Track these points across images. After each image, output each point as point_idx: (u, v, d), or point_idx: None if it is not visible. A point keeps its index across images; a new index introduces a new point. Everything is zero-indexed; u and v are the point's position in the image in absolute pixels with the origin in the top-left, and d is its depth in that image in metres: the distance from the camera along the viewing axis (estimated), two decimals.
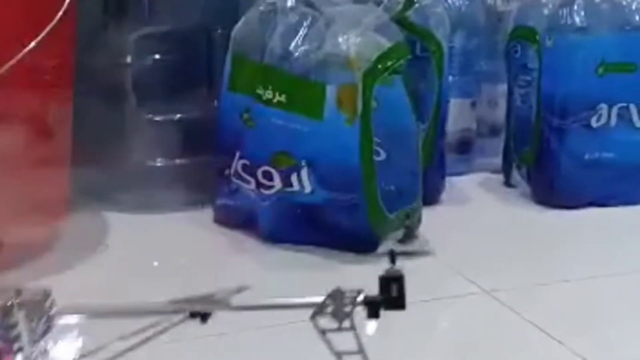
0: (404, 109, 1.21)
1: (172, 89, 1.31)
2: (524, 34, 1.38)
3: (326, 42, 1.16)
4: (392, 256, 0.69)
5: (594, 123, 1.35)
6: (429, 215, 1.25)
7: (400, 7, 1.26)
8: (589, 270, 1.17)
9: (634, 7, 1.34)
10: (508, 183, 1.45)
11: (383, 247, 1.18)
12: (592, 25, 1.33)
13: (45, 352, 0.66)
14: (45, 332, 0.67)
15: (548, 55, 1.35)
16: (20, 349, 0.65)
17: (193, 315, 0.73)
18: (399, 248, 1.17)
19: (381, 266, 1.15)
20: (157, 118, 1.31)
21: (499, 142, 1.48)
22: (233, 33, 1.23)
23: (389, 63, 1.17)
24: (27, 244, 1.14)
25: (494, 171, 1.48)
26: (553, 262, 1.20)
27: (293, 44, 1.18)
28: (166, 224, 1.29)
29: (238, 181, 1.23)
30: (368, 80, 1.15)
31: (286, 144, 1.18)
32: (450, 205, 1.38)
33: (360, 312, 0.72)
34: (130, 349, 0.73)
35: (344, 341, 0.71)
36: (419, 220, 1.23)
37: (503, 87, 1.46)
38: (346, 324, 0.67)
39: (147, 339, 0.73)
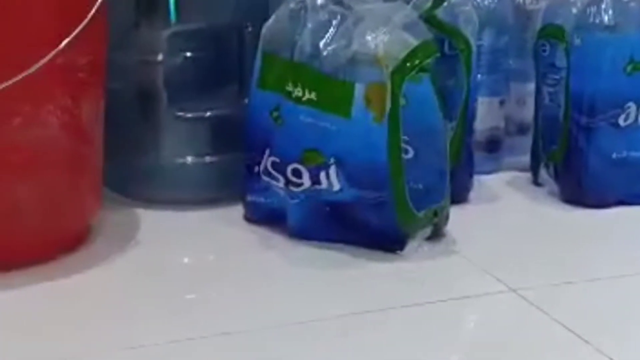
0: (432, 107, 1.22)
1: (202, 86, 1.31)
2: (552, 33, 1.38)
3: (355, 40, 1.17)
4: None
5: (621, 122, 1.34)
6: (456, 214, 1.26)
7: (429, 5, 1.26)
8: (616, 269, 1.16)
9: None
10: (536, 182, 1.45)
11: (410, 246, 1.19)
12: (620, 23, 1.33)
13: None
14: None
15: (576, 54, 1.34)
16: None
17: None
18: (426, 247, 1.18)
19: (407, 265, 1.16)
20: (188, 115, 1.32)
21: (527, 141, 1.48)
22: (263, 30, 1.24)
23: (417, 61, 1.17)
24: (60, 239, 1.16)
25: (522, 170, 1.48)
26: (581, 260, 1.20)
27: (322, 41, 1.18)
28: (196, 220, 1.30)
29: (267, 178, 1.24)
30: (396, 78, 1.15)
31: (315, 141, 1.18)
32: (478, 204, 1.38)
33: None
34: None
35: None
36: (447, 219, 1.23)
37: (531, 86, 1.46)
38: None
39: None
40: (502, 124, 1.51)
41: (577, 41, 1.34)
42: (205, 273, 1.16)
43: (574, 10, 1.35)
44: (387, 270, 1.16)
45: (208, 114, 1.32)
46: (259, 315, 1.04)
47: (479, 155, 1.44)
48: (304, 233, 1.23)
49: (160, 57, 1.30)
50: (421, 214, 1.20)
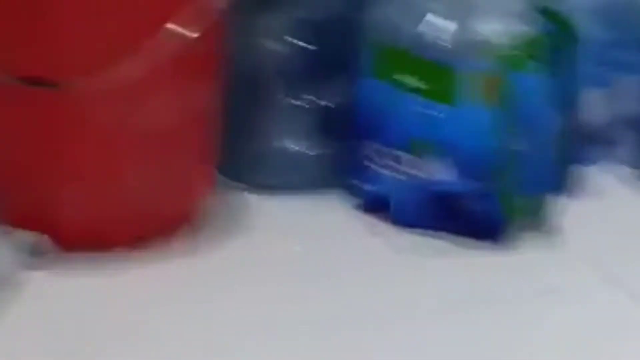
0: (541, 97, 1.21)
1: (313, 74, 1.32)
2: None
3: (466, 28, 1.17)
4: None
5: None
6: (563, 206, 1.25)
7: None
8: None
9: None
10: None
11: (514, 237, 1.18)
12: None
13: None
14: None
15: None
16: None
17: None
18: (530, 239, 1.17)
19: (510, 256, 1.16)
20: (298, 103, 1.33)
21: (637, 134, 1.46)
22: (372, 19, 1.25)
23: (528, 50, 1.17)
24: (171, 222, 1.19)
25: (631, 164, 1.46)
26: None
27: (432, 29, 1.18)
28: (303, 207, 1.31)
29: (374, 166, 1.25)
30: (507, 67, 1.15)
31: (423, 130, 1.19)
32: (585, 198, 1.37)
33: None
34: None
35: None
36: (554, 212, 1.23)
37: None
38: None
39: None
40: (611, 117, 1.49)
41: None
42: (311, 260, 1.17)
43: None
44: (490, 261, 1.16)
45: (318, 102, 1.34)
46: (362, 302, 1.05)
47: (586, 147, 1.42)
48: (408, 220, 1.23)
49: (276, 44, 1.32)
50: (526, 205, 1.20)
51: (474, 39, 1.16)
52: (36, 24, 1.08)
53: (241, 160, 1.35)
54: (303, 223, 1.27)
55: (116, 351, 0.94)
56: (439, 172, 1.19)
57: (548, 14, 1.28)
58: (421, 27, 1.19)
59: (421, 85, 1.19)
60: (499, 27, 1.16)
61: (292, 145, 1.34)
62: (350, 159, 1.29)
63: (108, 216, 1.14)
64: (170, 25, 1.09)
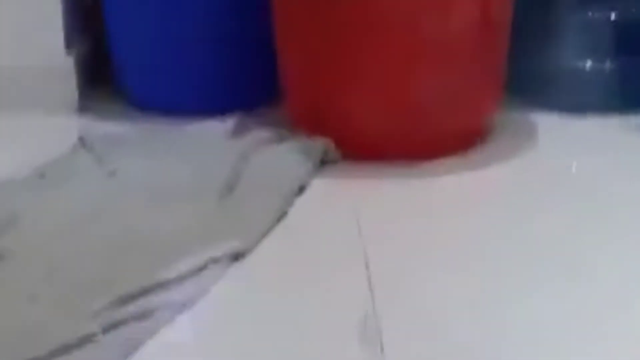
0: None
1: None
2: None
3: None
4: None
5: None
6: None
7: None
8: None
9: None
10: None
11: None
12: None
13: None
14: None
15: None
16: None
17: None
18: None
19: None
20: (590, 17, 1.28)
21: None
22: None
23: None
24: (458, 135, 1.19)
25: None
26: None
27: None
28: (593, 127, 1.27)
29: None
30: None
31: None
32: None
33: None
34: None
35: None
36: None
37: None
38: None
39: None
40: None
41: None
42: (593, 183, 1.12)
43: None
44: None
45: (612, 16, 1.27)
46: None
47: None
48: None
49: None
50: None
51: None
52: None
53: (531, 79, 1.32)
54: (590, 143, 1.23)
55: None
56: None
57: None
58: None
59: None
60: None
61: (584, 63, 1.30)
62: None
63: (400, 127, 1.16)
64: None
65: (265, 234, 0.99)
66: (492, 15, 1.16)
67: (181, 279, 0.89)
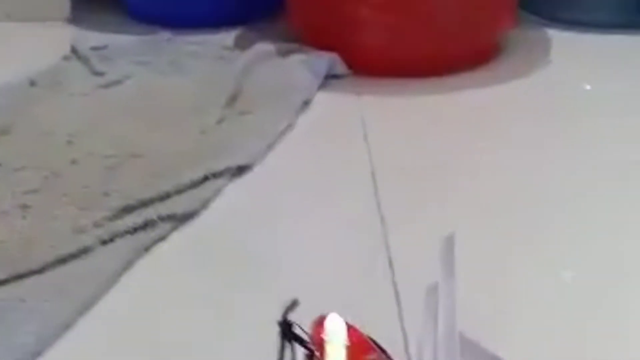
0: None
1: None
2: None
3: None
4: None
5: None
6: None
7: None
8: None
9: None
10: None
11: None
12: None
13: None
14: None
15: None
16: None
17: None
18: None
19: None
20: None
21: None
22: None
23: None
24: (473, 51, 1.15)
25: None
26: None
27: None
28: (610, 45, 1.23)
29: None
30: None
31: None
32: None
33: None
34: None
35: None
36: None
37: None
38: None
39: None
40: None
41: None
42: (607, 101, 1.08)
43: None
44: None
45: None
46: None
47: None
48: None
49: None
50: None
51: None
52: None
53: None
54: (606, 61, 1.19)
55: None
56: None
57: None
58: None
59: None
60: None
61: None
62: None
63: (409, 42, 1.11)
64: None
65: (270, 147, 0.94)
66: None
67: (180, 191, 0.85)
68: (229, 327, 0.67)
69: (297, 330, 0.52)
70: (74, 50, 1.18)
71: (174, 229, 0.80)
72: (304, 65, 1.11)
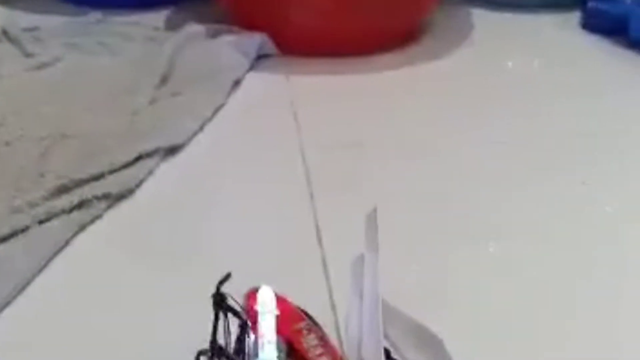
0: None
1: None
2: None
3: None
4: None
5: None
6: None
7: None
8: None
9: None
10: None
11: None
12: None
13: None
14: None
15: None
16: None
17: None
18: None
19: None
20: None
21: None
22: None
23: None
24: (400, 30, 1.18)
25: None
26: None
27: None
28: (532, 24, 1.27)
29: None
30: None
31: None
32: None
33: None
34: None
35: None
36: None
37: None
38: None
39: None
40: None
41: None
42: (527, 79, 1.12)
43: None
44: None
45: None
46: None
47: None
48: None
49: None
50: None
51: None
52: None
53: None
54: (527, 40, 1.23)
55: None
56: None
57: None
58: None
59: None
60: None
61: None
62: None
63: (336, 22, 1.13)
64: None
65: (201, 127, 0.96)
66: None
67: (114, 171, 0.86)
68: (164, 303, 0.69)
69: (231, 302, 0.55)
70: (4, 32, 1.18)
71: (109, 207, 0.81)
72: (233, 46, 1.12)
